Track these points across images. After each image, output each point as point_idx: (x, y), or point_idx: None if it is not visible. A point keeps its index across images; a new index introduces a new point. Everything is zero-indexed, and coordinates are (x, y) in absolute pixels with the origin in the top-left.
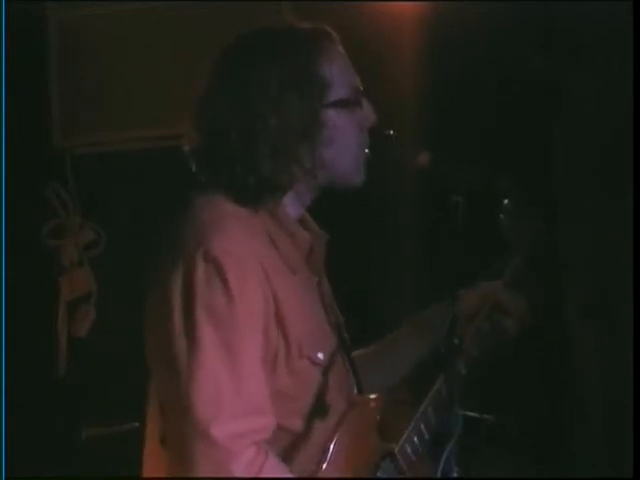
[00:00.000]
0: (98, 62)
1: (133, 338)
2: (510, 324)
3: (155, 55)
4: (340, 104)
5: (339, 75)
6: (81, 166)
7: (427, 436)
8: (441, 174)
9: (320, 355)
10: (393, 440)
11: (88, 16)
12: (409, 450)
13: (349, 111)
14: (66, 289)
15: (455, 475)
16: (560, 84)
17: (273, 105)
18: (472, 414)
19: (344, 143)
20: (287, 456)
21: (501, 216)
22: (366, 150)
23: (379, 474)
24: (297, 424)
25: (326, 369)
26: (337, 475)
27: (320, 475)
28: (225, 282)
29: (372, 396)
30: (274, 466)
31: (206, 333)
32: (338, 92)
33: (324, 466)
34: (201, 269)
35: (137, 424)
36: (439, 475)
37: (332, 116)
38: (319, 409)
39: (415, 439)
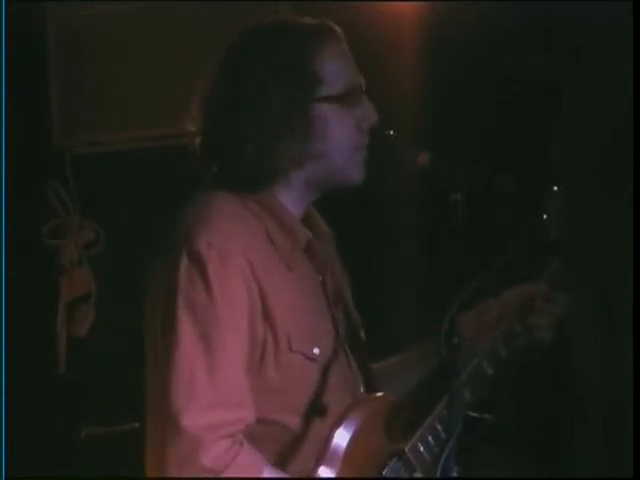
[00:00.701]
0: (98, 62)
1: (133, 338)
2: (545, 328)
3: (155, 55)
4: (333, 100)
5: (335, 71)
6: (81, 166)
7: (444, 436)
8: (441, 174)
9: (316, 350)
10: (402, 440)
11: (88, 16)
12: (422, 449)
13: (344, 107)
14: (66, 289)
15: (455, 475)
16: (560, 84)
17: (259, 94)
18: (472, 414)
19: (338, 138)
20: (286, 454)
21: (544, 216)
22: (365, 149)
23: (385, 474)
24: (293, 421)
25: (325, 366)
26: (339, 475)
27: (320, 474)
28: (205, 277)
29: (379, 394)
30: (249, 458)
31: (185, 325)
32: (332, 88)
33: (324, 465)
34: (185, 263)
35: (137, 424)
36: (438, 475)
37: (323, 111)
38: (317, 406)
39: (430, 438)
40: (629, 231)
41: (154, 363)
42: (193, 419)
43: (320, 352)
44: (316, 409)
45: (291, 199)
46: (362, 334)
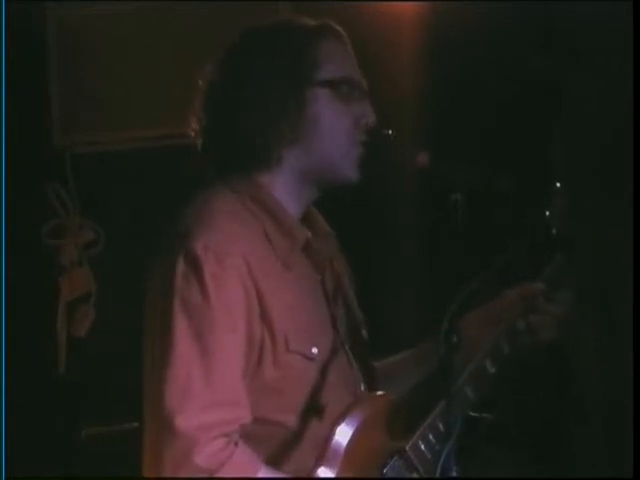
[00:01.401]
0: (98, 62)
1: (133, 338)
2: (547, 327)
3: (155, 55)
4: (328, 85)
5: (332, 59)
6: (81, 166)
7: (445, 434)
8: (441, 174)
9: (314, 350)
10: (403, 438)
11: (88, 16)
12: (423, 447)
13: (340, 96)
14: (66, 289)
15: (454, 474)
16: (560, 84)
17: (257, 78)
18: (472, 413)
19: (331, 127)
20: (284, 453)
21: (547, 213)
22: (361, 147)
23: (386, 472)
24: (290, 420)
25: (325, 366)
26: (340, 472)
27: (319, 473)
28: (202, 279)
29: (379, 393)
30: (244, 457)
31: (181, 327)
32: (328, 73)
33: (324, 463)
34: (181, 265)
35: (137, 424)
36: (438, 474)
37: (319, 94)
38: (314, 405)
39: (430, 436)
40: (629, 231)
41: (151, 364)
42: (188, 420)
43: (319, 352)
44: (314, 408)
45: (287, 195)
46: (364, 333)
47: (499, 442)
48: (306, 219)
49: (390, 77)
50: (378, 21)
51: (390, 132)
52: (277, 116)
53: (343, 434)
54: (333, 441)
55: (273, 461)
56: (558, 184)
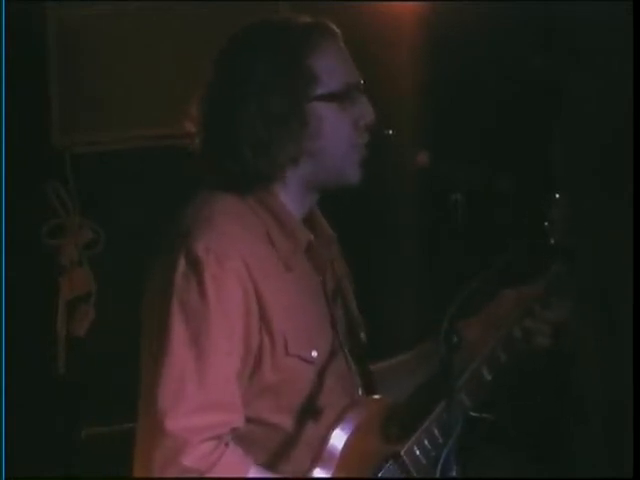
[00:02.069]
0: (98, 62)
1: (133, 338)
2: (543, 333)
3: (155, 55)
4: (328, 98)
5: (332, 69)
6: (81, 165)
7: (441, 440)
8: (441, 174)
9: (314, 353)
10: (399, 442)
11: (88, 16)
12: (418, 452)
13: (341, 106)
14: (66, 289)
15: (454, 475)
16: (560, 84)
17: (256, 93)
18: (472, 413)
19: (334, 137)
20: (279, 455)
21: (545, 224)
22: (362, 149)
23: (381, 477)
24: (286, 421)
25: (323, 369)
26: (334, 476)
27: (316, 475)
28: (201, 281)
29: (375, 397)
30: (234, 458)
31: (177, 327)
32: (328, 86)
33: (320, 465)
34: (182, 266)
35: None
36: (438, 474)
37: (319, 109)
38: (311, 408)
39: (426, 442)
40: (629, 231)
41: (147, 363)
42: (178, 421)
43: (318, 355)
44: (311, 411)
45: (291, 199)
46: (362, 336)
47: (499, 442)
48: (309, 220)
49: (390, 77)
50: (378, 21)
51: (390, 132)
52: (281, 136)
53: (338, 437)
54: (329, 444)
55: (269, 462)
56: (557, 195)
